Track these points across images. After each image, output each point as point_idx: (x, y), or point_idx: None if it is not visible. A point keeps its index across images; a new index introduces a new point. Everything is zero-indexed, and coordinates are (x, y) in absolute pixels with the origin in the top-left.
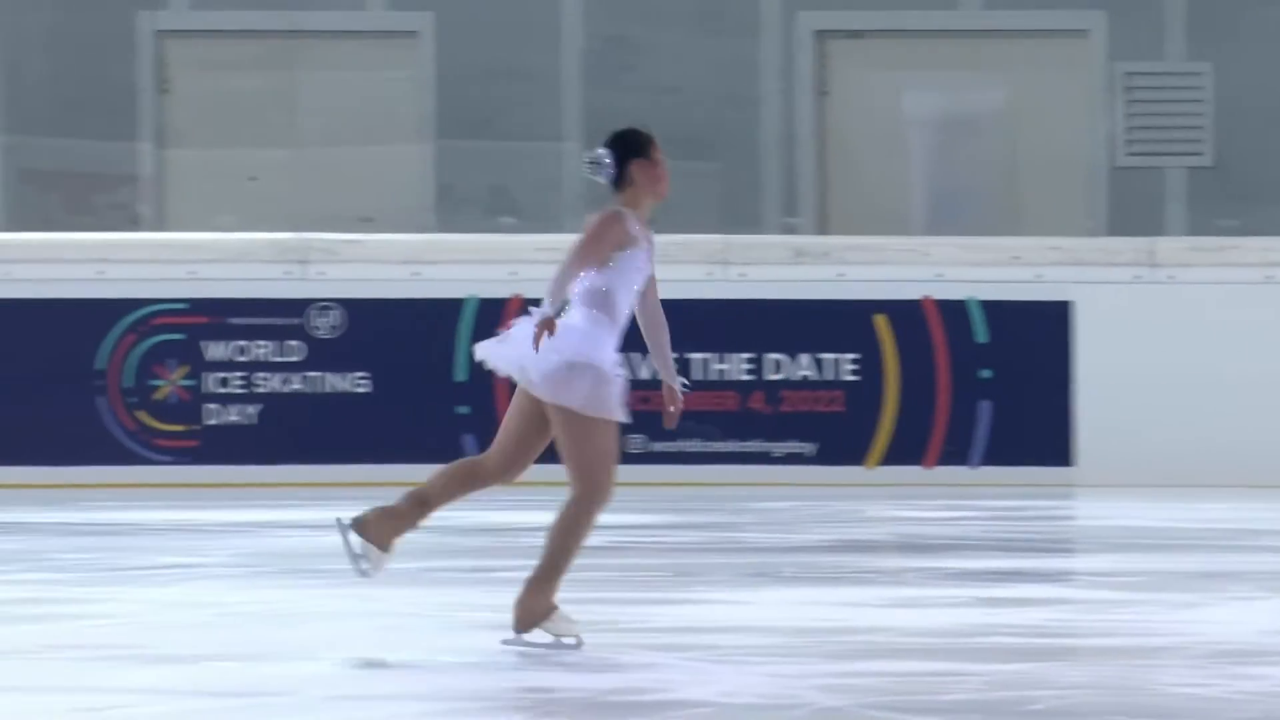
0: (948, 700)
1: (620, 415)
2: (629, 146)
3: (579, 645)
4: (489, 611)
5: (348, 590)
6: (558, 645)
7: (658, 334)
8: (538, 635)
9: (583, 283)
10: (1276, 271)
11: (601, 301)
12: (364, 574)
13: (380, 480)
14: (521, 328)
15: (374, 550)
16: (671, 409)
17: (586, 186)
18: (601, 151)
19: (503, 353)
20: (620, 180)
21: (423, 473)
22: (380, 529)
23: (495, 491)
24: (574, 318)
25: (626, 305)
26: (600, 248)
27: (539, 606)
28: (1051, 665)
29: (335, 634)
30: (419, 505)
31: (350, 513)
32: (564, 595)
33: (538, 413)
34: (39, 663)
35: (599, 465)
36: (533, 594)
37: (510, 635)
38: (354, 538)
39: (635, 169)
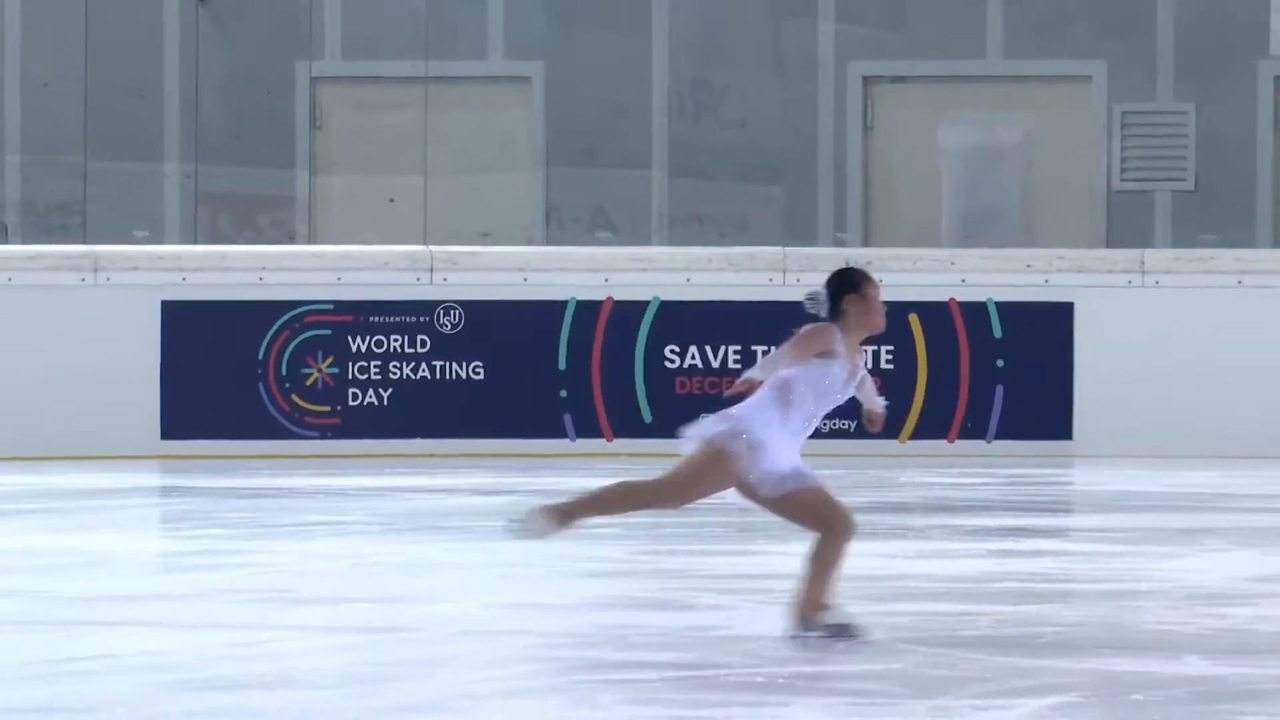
0: (966, 635)
1: (746, 476)
2: (843, 284)
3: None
4: (587, 562)
5: (468, 544)
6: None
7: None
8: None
9: (776, 375)
10: (1247, 278)
11: (780, 387)
12: (514, 532)
13: (493, 452)
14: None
15: (538, 520)
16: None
17: (673, 205)
18: (819, 290)
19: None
20: (834, 313)
21: (528, 446)
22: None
23: (589, 460)
24: (753, 396)
25: (806, 403)
26: (804, 349)
27: (809, 608)
28: (1052, 606)
29: (457, 581)
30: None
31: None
32: (641, 548)
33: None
34: (207, 604)
35: (827, 510)
36: (805, 600)
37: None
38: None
39: (849, 303)
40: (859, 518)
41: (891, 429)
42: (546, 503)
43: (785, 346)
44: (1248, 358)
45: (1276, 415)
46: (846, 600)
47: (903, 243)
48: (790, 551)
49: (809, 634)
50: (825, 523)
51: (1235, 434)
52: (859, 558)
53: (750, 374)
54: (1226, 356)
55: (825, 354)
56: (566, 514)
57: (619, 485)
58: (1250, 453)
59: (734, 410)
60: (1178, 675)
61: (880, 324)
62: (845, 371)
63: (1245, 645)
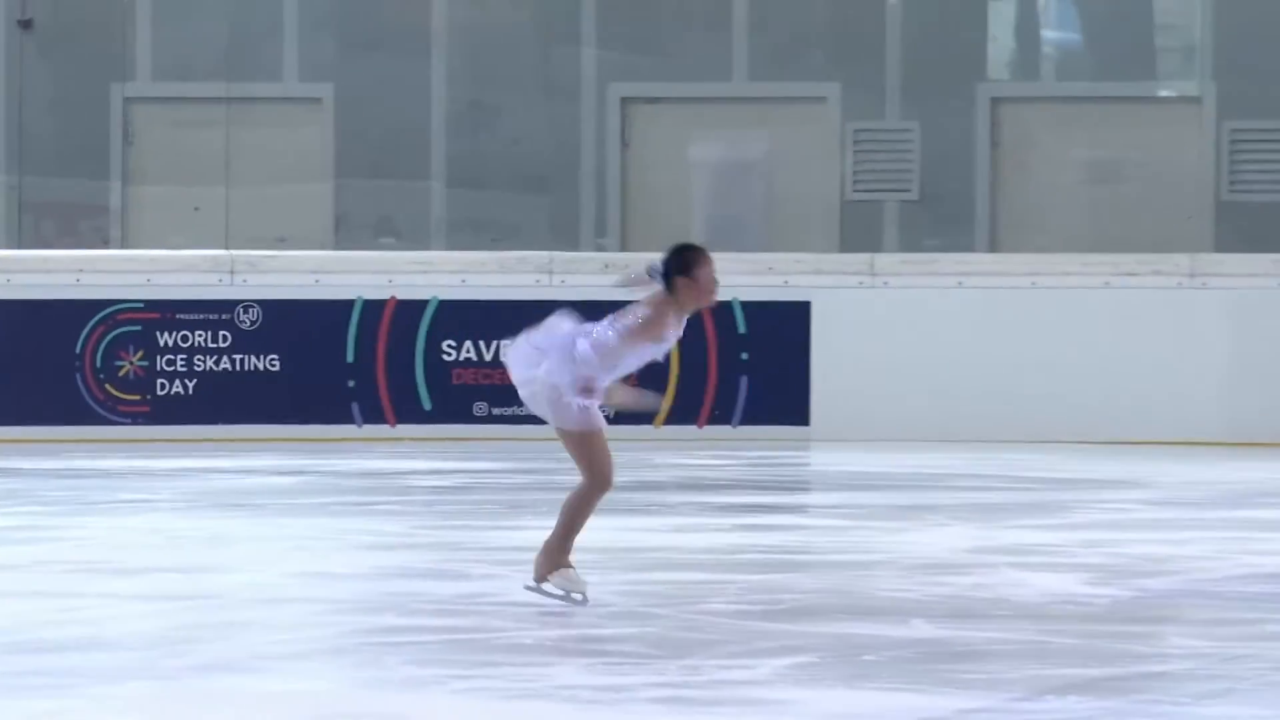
0: (714, 601)
1: (602, 424)
2: (677, 265)
3: (585, 601)
4: (370, 535)
5: (265, 519)
6: (567, 598)
7: None
8: (552, 588)
9: (605, 330)
10: (966, 279)
11: (606, 353)
12: (583, 599)
13: (288, 436)
14: (549, 360)
15: (565, 576)
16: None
17: (450, 213)
18: (658, 264)
19: (522, 376)
20: (668, 288)
21: (320, 431)
22: (549, 564)
23: (374, 444)
24: (580, 351)
25: (629, 368)
26: (643, 339)
27: (552, 563)
28: (792, 576)
29: (254, 553)
30: (565, 537)
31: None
32: (420, 523)
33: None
34: (30, 574)
35: (600, 463)
36: (548, 554)
37: (531, 583)
38: (550, 588)
39: (680, 285)
40: (614, 495)
41: (646, 415)
42: (555, 569)
43: (629, 333)
44: (967, 351)
45: (992, 403)
46: (604, 570)
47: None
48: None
49: (547, 594)
50: (594, 472)
51: (956, 420)
52: (617, 531)
53: (595, 376)
54: (948, 350)
55: (657, 340)
56: (560, 558)
57: (568, 509)
58: (968, 437)
59: (562, 378)
60: (905, 637)
61: (709, 300)
62: (667, 346)
63: (965, 610)
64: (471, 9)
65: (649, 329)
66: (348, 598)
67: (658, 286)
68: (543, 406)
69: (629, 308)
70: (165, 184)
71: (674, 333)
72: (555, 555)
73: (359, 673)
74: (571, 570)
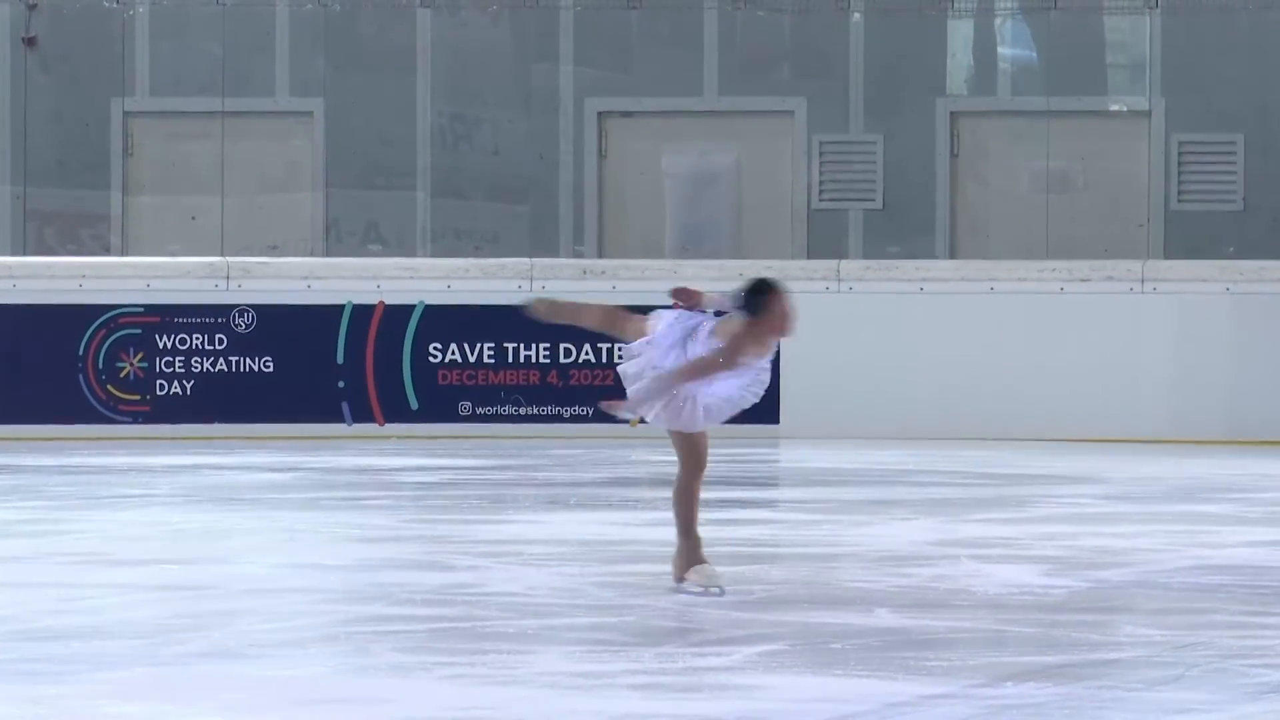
0: (687, 592)
1: (698, 427)
2: (753, 304)
3: (722, 594)
4: (360, 529)
5: (260, 513)
6: (706, 593)
7: None
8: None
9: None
10: (927, 285)
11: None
12: (720, 592)
13: (281, 435)
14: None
15: (701, 572)
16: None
17: (435, 222)
18: (737, 296)
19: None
20: (750, 319)
21: (311, 429)
22: (684, 562)
23: (363, 442)
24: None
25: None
26: (722, 369)
27: (686, 561)
28: (762, 567)
29: (250, 545)
30: (687, 534)
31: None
32: (407, 517)
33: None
34: (33, 565)
35: (699, 452)
36: (680, 554)
37: (674, 584)
38: (692, 585)
39: (754, 322)
40: (593, 491)
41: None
42: (703, 569)
43: (721, 359)
44: (928, 353)
45: (953, 402)
46: (582, 563)
47: (632, 254)
48: (537, 520)
49: (690, 591)
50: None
51: (918, 418)
52: (594, 525)
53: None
54: (910, 352)
55: (731, 368)
56: (692, 555)
57: (676, 505)
58: (931, 435)
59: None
60: (870, 626)
61: (787, 333)
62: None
63: (927, 600)
64: (454, 28)
65: (728, 362)
66: (338, 588)
67: (723, 310)
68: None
69: (719, 326)
70: (163, 194)
71: (755, 359)
72: (687, 554)
73: (348, 659)
74: (706, 565)
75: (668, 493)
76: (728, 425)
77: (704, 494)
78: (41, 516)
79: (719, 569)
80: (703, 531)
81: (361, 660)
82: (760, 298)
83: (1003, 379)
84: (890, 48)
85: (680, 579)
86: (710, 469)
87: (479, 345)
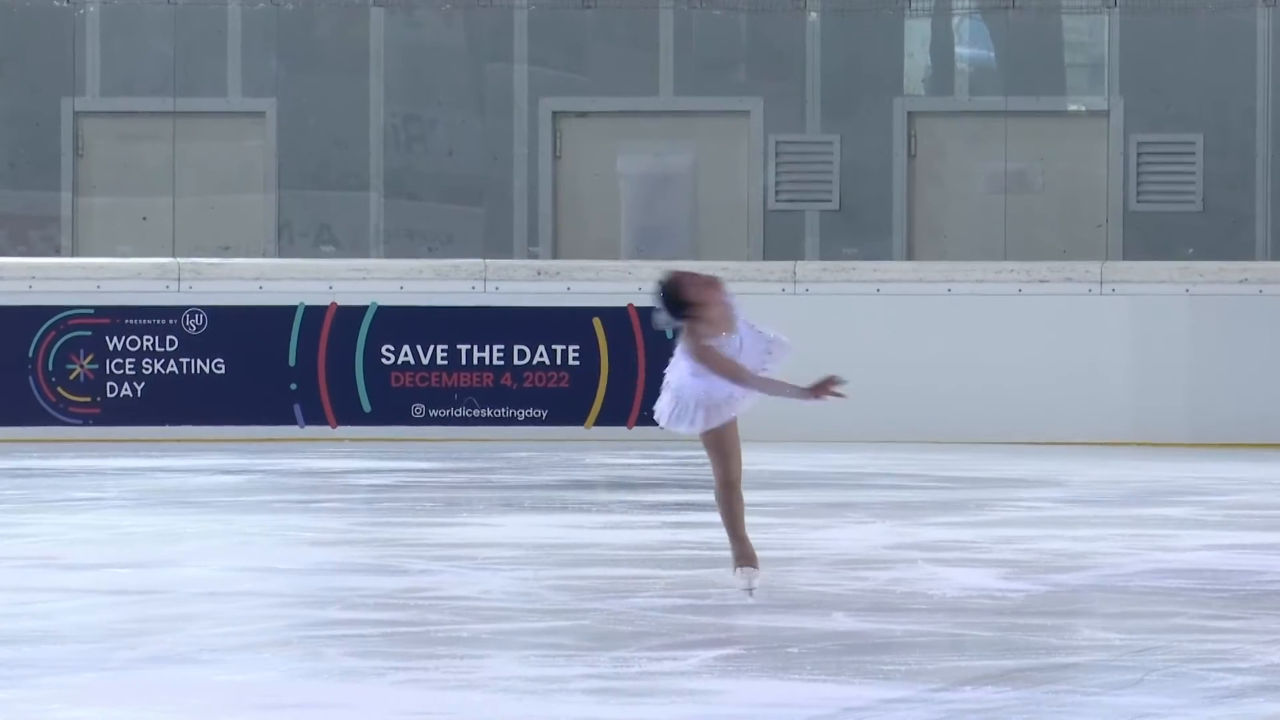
0: (643, 595)
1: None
2: (674, 308)
3: (750, 595)
4: (312, 532)
5: (211, 516)
6: (749, 592)
7: None
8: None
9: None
10: (884, 286)
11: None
12: (750, 592)
13: (232, 437)
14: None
15: (741, 573)
16: None
17: (388, 223)
18: (663, 318)
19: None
20: (690, 327)
21: (263, 432)
22: (734, 561)
23: (315, 444)
24: (684, 369)
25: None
26: (730, 366)
27: (737, 559)
28: (718, 570)
29: (202, 549)
30: (736, 534)
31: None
32: (360, 520)
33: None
34: None
35: (729, 458)
36: (735, 554)
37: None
38: (741, 581)
39: (690, 329)
40: (547, 494)
41: (579, 416)
42: (745, 569)
43: (737, 375)
44: (885, 355)
45: (910, 405)
46: (537, 566)
47: (587, 255)
48: (491, 523)
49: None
50: (721, 468)
51: (875, 421)
52: (548, 528)
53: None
54: (867, 354)
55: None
56: (747, 555)
57: (721, 511)
58: (888, 437)
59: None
60: (827, 630)
61: (729, 327)
62: (739, 337)
63: (883, 604)
64: (408, 28)
65: (723, 361)
66: (291, 592)
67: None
68: (691, 413)
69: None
70: (114, 195)
71: (730, 339)
72: (737, 554)
73: (301, 664)
74: (750, 568)
75: (624, 495)
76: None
77: (659, 496)
78: None
79: (759, 571)
80: (659, 534)
81: (314, 665)
82: (680, 303)
83: (960, 381)
84: (847, 47)
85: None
86: (668, 471)
87: (432, 347)
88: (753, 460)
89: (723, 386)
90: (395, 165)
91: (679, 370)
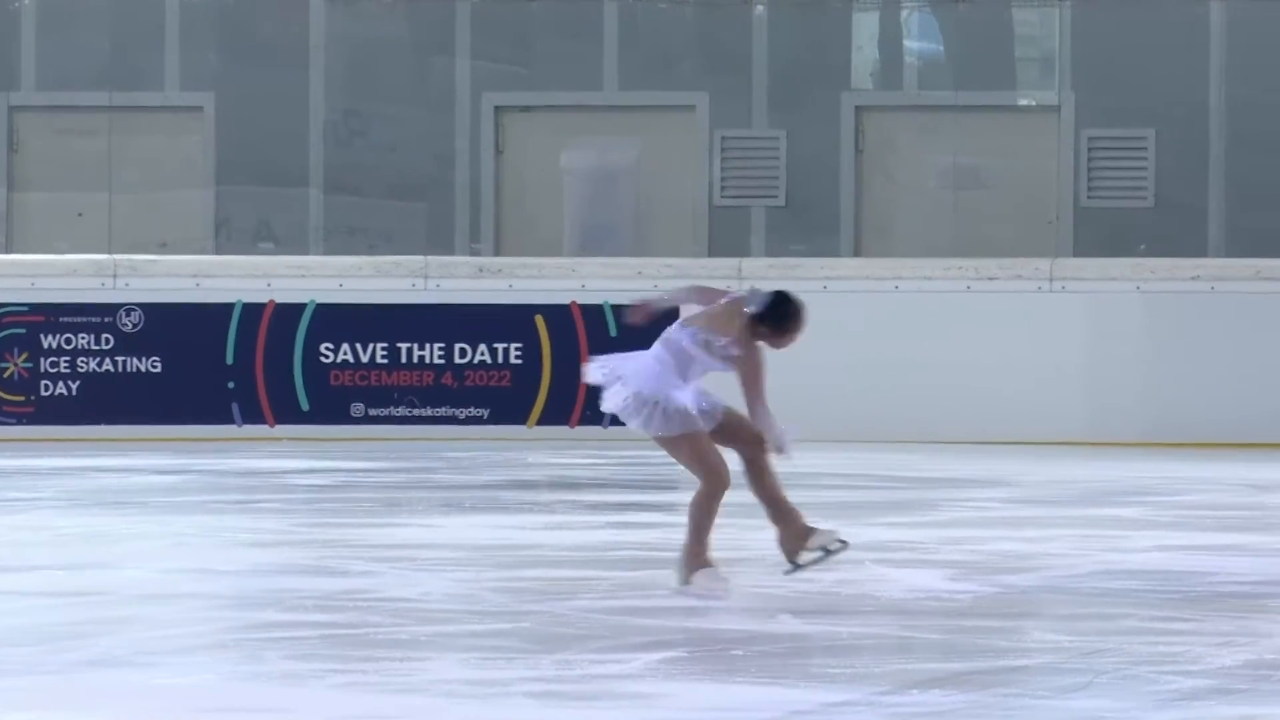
0: (586, 597)
1: (698, 427)
2: (772, 320)
3: (726, 597)
4: (250, 533)
5: (148, 517)
6: (710, 596)
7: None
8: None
9: (684, 338)
10: (831, 283)
11: (680, 358)
12: (724, 594)
13: (169, 437)
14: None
15: (703, 575)
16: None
17: (328, 219)
18: (759, 296)
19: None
20: (761, 330)
21: (200, 431)
22: (690, 566)
23: (253, 444)
24: (651, 356)
25: (698, 376)
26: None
27: (691, 565)
28: (662, 572)
29: (139, 550)
30: (697, 540)
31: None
32: (299, 521)
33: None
34: None
35: (712, 464)
36: (686, 558)
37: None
38: (694, 588)
39: (764, 336)
40: (489, 494)
41: (521, 416)
42: (689, 569)
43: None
44: (832, 354)
45: (857, 403)
46: (478, 567)
47: (530, 253)
48: (431, 524)
49: (689, 588)
50: (702, 474)
51: (821, 421)
52: (490, 529)
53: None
54: (813, 353)
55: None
56: (699, 559)
57: (693, 513)
58: (834, 437)
59: (641, 382)
60: (772, 632)
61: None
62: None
63: (830, 606)
64: (349, 21)
65: (759, 367)
66: (229, 594)
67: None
68: (643, 416)
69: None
70: (49, 190)
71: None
72: (693, 558)
73: (240, 667)
74: (711, 569)
75: (566, 495)
76: (628, 427)
77: (601, 497)
78: None
79: (724, 572)
80: (601, 535)
81: (253, 668)
82: (785, 316)
83: (908, 380)
84: (794, 41)
85: (685, 581)
86: (611, 471)
87: (372, 345)
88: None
89: (681, 398)
90: (335, 161)
91: (640, 364)
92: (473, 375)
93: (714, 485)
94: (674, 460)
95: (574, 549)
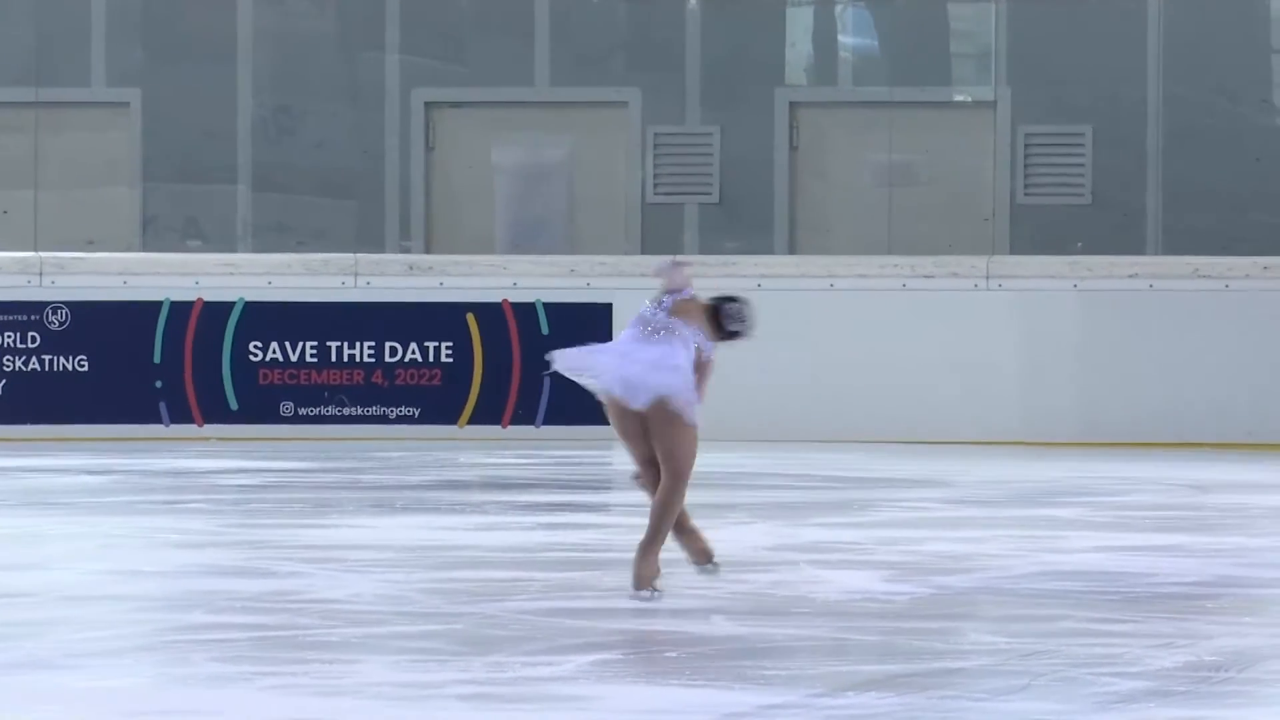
0: (518, 599)
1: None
2: (720, 325)
3: (651, 597)
4: (178, 534)
5: (74, 518)
6: (636, 595)
7: None
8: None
9: (691, 342)
10: (765, 281)
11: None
12: (650, 595)
13: (97, 436)
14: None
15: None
16: None
17: (257, 216)
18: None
19: (608, 375)
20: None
21: (128, 430)
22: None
23: (181, 443)
24: (644, 348)
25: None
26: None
27: (648, 569)
28: (594, 573)
29: (65, 551)
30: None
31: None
32: (228, 522)
33: (642, 427)
34: None
35: (691, 461)
36: (643, 558)
37: (631, 591)
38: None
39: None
40: (419, 494)
41: (452, 415)
42: (641, 568)
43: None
44: (766, 352)
45: (791, 403)
46: (409, 569)
47: (461, 250)
48: (362, 524)
49: (644, 599)
50: (678, 468)
51: (756, 420)
52: (420, 530)
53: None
54: (747, 351)
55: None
56: (650, 561)
57: (658, 509)
58: (769, 436)
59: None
60: (706, 634)
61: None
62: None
63: (764, 607)
64: (277, 16)
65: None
66: (156, 595)
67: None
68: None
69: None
70: None
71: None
72: (650, 560)
73: (168, 670)
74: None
75: (498, 496)
76: (560, 426)
77: (533, 497)
78: None
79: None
80: (533, 536)
81: (181, 670)
82: (735, 330)
83: (844, 379)
84: (727, 36)
85: (640, 588)
86: (543, 471)
87: (301, 344)
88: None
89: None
90: (264, 157)
91: (635, 345)
92: (403, 374)
93: (684, 484)
94: (655, 443)
95: (506, 550)
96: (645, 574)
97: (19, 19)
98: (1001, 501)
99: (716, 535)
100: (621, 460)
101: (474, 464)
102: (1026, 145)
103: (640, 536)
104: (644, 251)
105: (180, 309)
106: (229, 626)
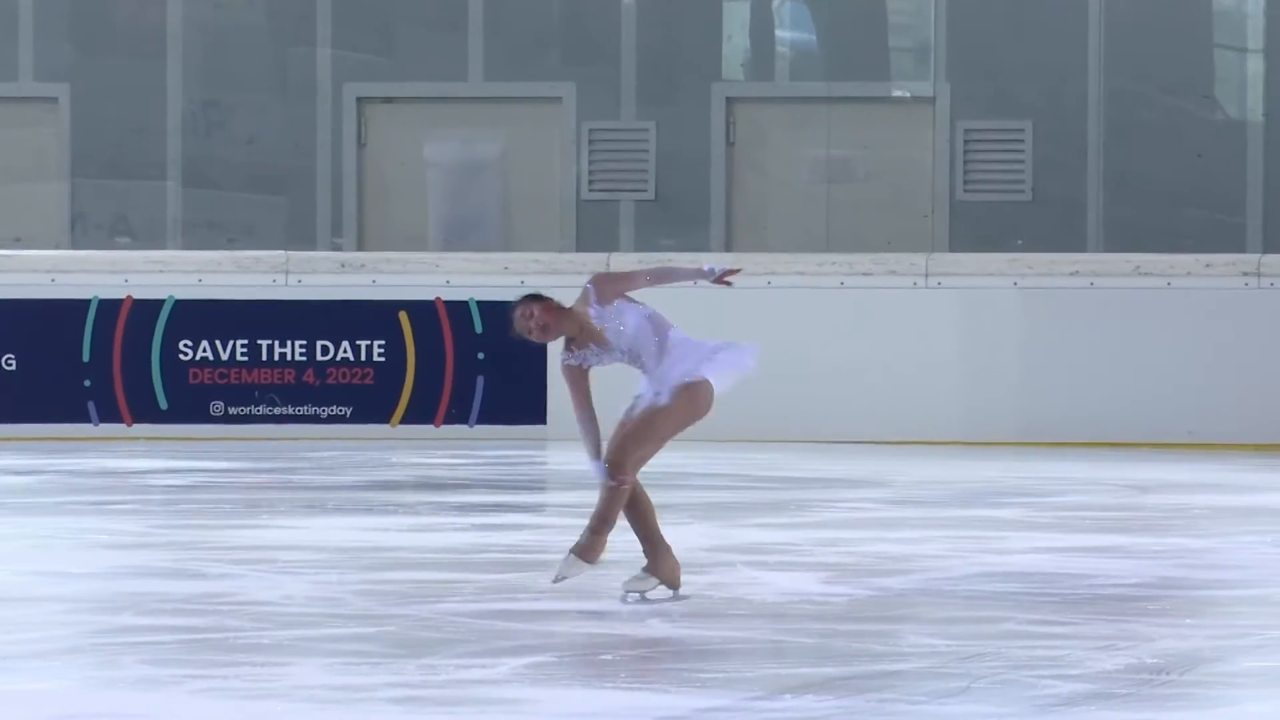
0: (451, 601)
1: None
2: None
3: (556, 580)
4: (107, 535)
5: (2, 518)
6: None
7: None
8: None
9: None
10: (701, 279)
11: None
12: (555, 579)
13: (24, 436)
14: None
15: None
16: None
17: (186, 213)
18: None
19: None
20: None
21: (56, 430)
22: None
23: (110, 443)
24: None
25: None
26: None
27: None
28: (529, 575)
29: None
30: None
31: None
32: (157, 522)
33: None
34: None
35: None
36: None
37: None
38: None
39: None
40: (352, 495)
41: (384, 414)
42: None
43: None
44: None
45: (728, 402)
46: (341, 570)
47: (394, 247)
48: (293, 525)
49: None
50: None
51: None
52: (353, 530)
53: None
54: None
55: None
56: (591, 549)
57: (608, 494)
58: (704, 436)
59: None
60: (642, 637)
61: (541, 337)
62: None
63: (702, 610)
64: (207, 10)
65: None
66: (85, 597)
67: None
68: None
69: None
70: None
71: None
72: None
73: (96, 672)
74: (573, 557)
75: (431, 496)
76: (494, 426)
77: (467, 498)
78: None
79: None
80: (467, 537)
81: (110, 673)
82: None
83: (781, 378)
84: (663, 31)
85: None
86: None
87: (232, 342)
88: (564, 460)
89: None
90: (194, 153)
91: (692, 343)
92: (335, 373)
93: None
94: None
95: (439, 551)
96: (583, 560)
97: None
98: (941, 502)
99: None
100: (558, 460)
101: (407, 464)
102: (966, 141)
103: (574, 538)
104: (579, 249)
105: (109, 307)
106: (159, 629)
